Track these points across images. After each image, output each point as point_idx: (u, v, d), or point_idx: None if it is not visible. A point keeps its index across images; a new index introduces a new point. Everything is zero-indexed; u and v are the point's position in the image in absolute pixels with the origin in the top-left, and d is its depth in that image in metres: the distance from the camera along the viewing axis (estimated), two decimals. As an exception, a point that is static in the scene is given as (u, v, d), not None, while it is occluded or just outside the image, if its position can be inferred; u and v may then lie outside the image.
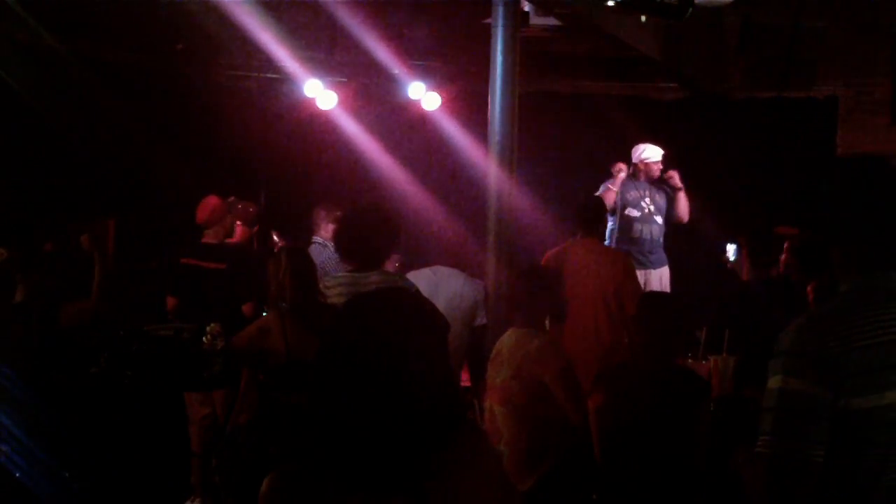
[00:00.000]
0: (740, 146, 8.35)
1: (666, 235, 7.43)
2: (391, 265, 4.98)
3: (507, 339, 4.22)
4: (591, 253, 5.67)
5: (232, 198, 6.33)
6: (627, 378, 3.92)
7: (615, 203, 7.19)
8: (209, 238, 5.98)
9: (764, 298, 5.01)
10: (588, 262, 5.55)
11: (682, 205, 7.35)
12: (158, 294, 6.05)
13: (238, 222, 6.33)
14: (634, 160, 7.38)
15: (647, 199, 7.33)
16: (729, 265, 6.24)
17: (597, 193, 7.28)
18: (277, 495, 1.70)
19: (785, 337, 2.10)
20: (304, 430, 1.74)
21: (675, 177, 7.29)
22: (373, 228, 4.50)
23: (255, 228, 6.62)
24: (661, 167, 7.32)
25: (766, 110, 8.30)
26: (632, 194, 7.29)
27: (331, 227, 6.35)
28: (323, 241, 6.32)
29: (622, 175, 7.31)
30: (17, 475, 4.15)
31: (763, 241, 5.63)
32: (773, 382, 2.06)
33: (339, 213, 6.15)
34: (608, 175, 7.46)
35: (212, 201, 6.04)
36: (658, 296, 5.44)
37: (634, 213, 7.27)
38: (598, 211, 6.00)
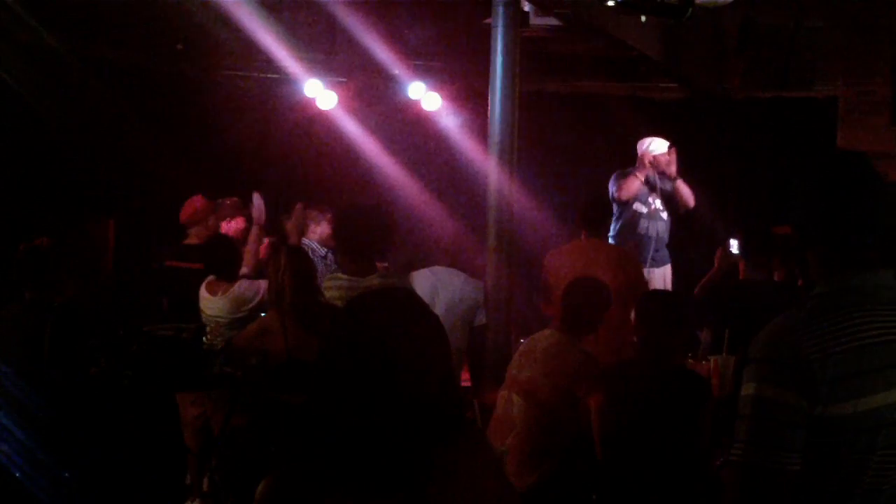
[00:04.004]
0: (740, 146, 8.35)
1: (671, 233, 7.36)
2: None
3: (544, 339, 4.23)
4: (599, 252, 5.62)
5: (221, 200, 6.32)
6: (629, 377, 3.92)
7: (637, 192, 7.08)
8: (192, 239, 5.97)
9: (762, 299, 4.98)
10: (597, 262, 5.49)
11: (684, 192, 7.15)
12: (158, 294, 6.05)
13: (239, 218, 6.32)
14: (640, 154, 7.27)
15: (655, 195, 7.25)
16: (732, 259, 6.18)
17: (617, 180, 7.11)
18: (273, 499, 1.69)
19: (759, 342, 2.03)
20: (303, 430, 1.74)
21: (672, 163, 7.08)
22: (370, 227, 4.51)
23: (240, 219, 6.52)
24: (668, 159, 7.19)
25: (766, 110, 8.31)
26: (642, 189, 7.20)
27: (319, 228, 6.37)
28: (310, 243, 6.29)
29: (648, 169, 7.14)
30: (17, 475, 4.15)
31: (758, 240, 5.60)
32: (747, 389, 2.00)
33: (329, 215, 6.17)
34: (608, 174, 7.41)
35: (195, 202, 6.03)
36: (660, 294, 5.43)
37: (642, 209, 7.16)
38: (603, 210, 5.97)
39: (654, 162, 7.12)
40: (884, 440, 1.95)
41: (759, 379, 1.98)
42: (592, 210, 5.84)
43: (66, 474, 4.29)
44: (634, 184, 7.01)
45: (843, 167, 2.13)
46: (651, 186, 7.18)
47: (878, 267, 2.06)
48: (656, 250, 7.11)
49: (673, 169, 7.10)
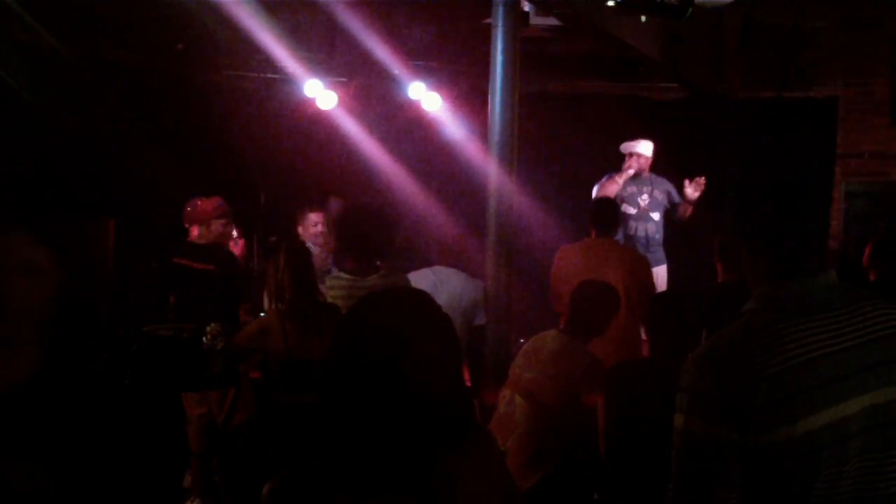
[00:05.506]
0: (740, 146, 8.35)
1: (668, 234, 7.38)
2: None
3: (551, 340, 4.24)
4: (612, 252, 5.64)
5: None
6: (638, 377, 3.89)
7: (616, 196, 7.13)
8: (198, 238, 5.97)
9: (737, 301, 4.89)
10: (609, 262, 5.50)
11: (686, 213, 7.29)
12: (158, 294, 6.04)
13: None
14: (625, 154, 7.36)
15: (645, 196, 7.28)
16: None
17: (599, 183, 7.21)
18: (279, 499, 1.69)
19: (686, 370, 1.91)
20: (310, 430, 1.74)
21: (697, 191, 7.15)
22: (374, 227, 4.52)
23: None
24: (650, 161, 7.30)
25: (766, 110, 8.30)
26: (629, 190, 7.24)
27: (314, 229, 6.39)
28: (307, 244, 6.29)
29: (630, 171, 7.23)
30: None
31: (734, 242, 5.56)
32: (677, 421, 1.88)
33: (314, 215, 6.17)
34: (607, 173, 7.44)
35: (199, 202, 6.01)
36: (670, 296, 5.40)
37: (630, 209, 7.21)
38: (615, 212, 6.01)
39: (637, 163, 7.22)
40: (825, 463, 1.81)
41: (686, 411, 1.87)
42: (604, 209, 5.86)
43: (66, 474, 4.28)
44: (610, 188, 7.08)
45: (786, 169, 2.05)
46: (641, 187, 7.24)
47: (817, 271, 1.93)
48: (647, 251, 7.13)
49: (694, 194, 7.16)
